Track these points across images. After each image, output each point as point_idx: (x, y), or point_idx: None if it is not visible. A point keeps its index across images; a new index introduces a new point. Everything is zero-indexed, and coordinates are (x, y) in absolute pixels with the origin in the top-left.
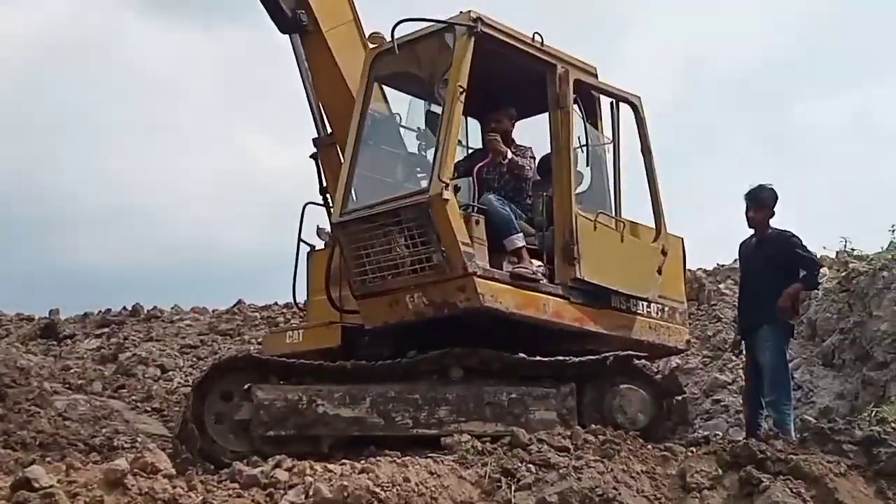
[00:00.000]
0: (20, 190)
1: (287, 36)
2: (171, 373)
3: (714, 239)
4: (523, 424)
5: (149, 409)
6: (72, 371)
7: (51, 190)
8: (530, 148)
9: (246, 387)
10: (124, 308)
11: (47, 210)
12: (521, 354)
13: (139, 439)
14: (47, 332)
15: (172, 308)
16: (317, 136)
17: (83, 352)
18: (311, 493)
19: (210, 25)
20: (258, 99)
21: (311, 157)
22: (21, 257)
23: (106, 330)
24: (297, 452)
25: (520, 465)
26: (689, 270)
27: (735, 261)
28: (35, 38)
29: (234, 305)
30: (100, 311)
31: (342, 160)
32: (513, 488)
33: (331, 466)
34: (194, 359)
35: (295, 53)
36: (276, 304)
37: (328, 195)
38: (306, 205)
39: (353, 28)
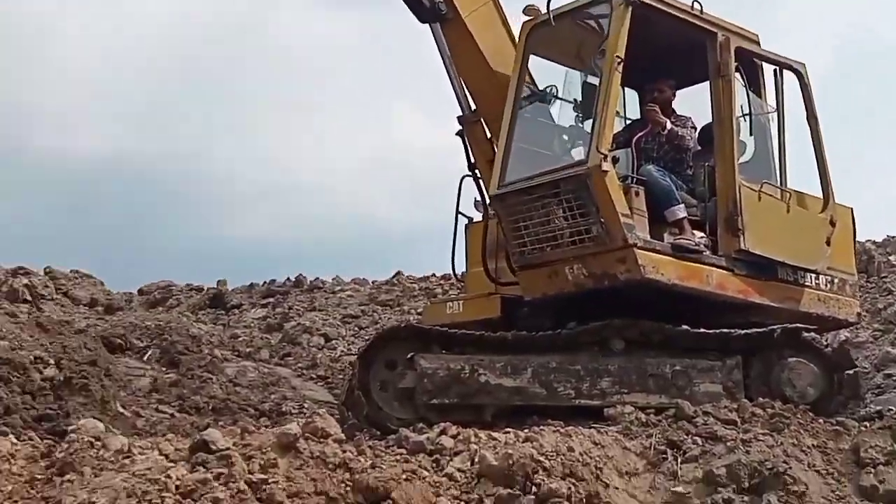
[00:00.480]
0: (187, 170)
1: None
2: (334, 342)
3: (883, 210)
4: (687, 397)
5: (314, 376)
6: (240, 339)
7: (213, 168)
8: (690, 118)
9: (409, 356)
10: (288, 279)
11: (213, 187)
12: (685, 327)
13: (306, 405)
14: (215, 301)
15: (334, 279)
16: (461, 113)
17: (250, 321)
18: (476, 460)
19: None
20: (409, 77)
21: (457, 134)
22: (189, 233)
23: (271, 300)
24: (461, 420)
25: (685, 437)
26: (858, 242)
27: None
28: (188, 19)
29: (393, 276)
30: (265, 282)
31: (487, 136)
32: (679, 460)
33: (495, 434)
34: (356, 328)
35: (435, 39)
36: (433, 275)
37: (476, 170)
38: (463, 178)
39: (492, 7)
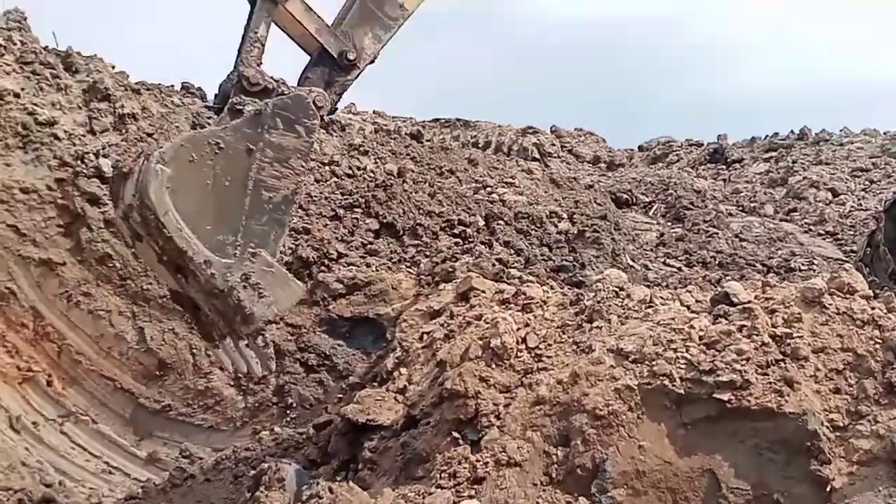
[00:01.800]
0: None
1: None
2: (842, 196)
3: None
4: None
5: (822, 232)
6: (742, 194)
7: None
8: None
9: None
10: (791, 132)
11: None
12: None
13: (816, 262)
14: (715, 157)
15: (841, 131)
16: None
17: (751, 176)
18: None
19: None
20: None
21: None
22: (685, 88)
23: (773, 154)
24: None
25: None
26: None
27: None
28: None
29: None
30: (766, 136)
31: None
32: None
33: None
34: (866, 182)
35: None
36: None
37: None
38: None
39: None
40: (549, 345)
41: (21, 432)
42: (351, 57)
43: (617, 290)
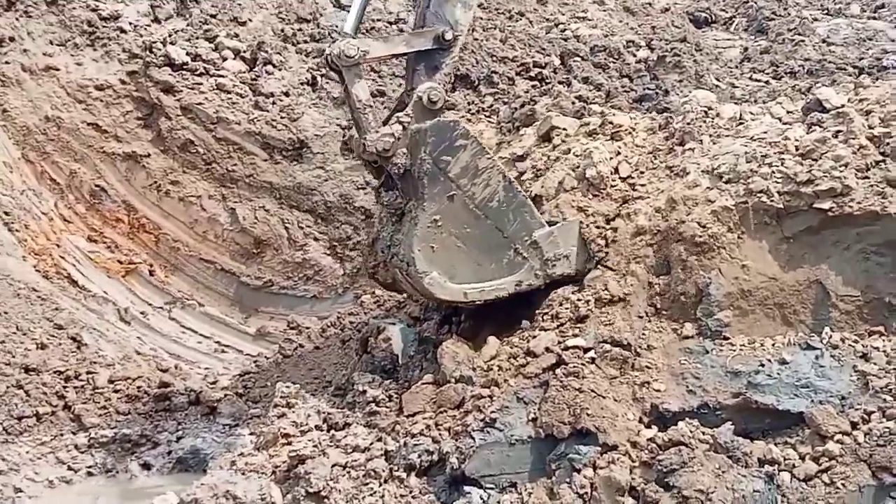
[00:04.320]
0: None
1: None
2: None
3: None
4: None
5: None
6: None
7: None
8: None
9: None
10: None
11: None
12: None
13: None
14: None
15: None
16: None
17: None
18: None
19: None
20: None
21: None
22: None
23: None
24: None
25: None
26: None
27: None
28: None
29: None
30: None
31: None
32: None
33: None
34: None
35: None
36: None
37: None
38: None
39: None
40: (642, 172)
41: (131, 323)
42: (448, 36)
43: (706, 110)
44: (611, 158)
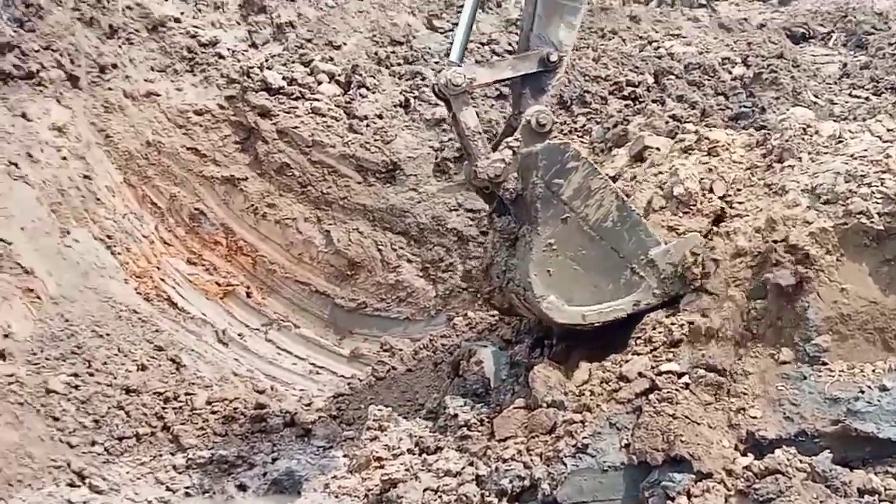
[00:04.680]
0: None
1: None
2: None
3: None
4: None
5: None
6: None
7: None
8: None
9: None
10: None
11: None
12: None
13: None
14: None
15: None
16: None
17: None
18: None
19: None
20: None
21: None
22: None
23: None
24: None
25: None
26: None
27: None
28: None
29: None
30: None
31: None
32: None
33: None
34: None
35: None
36: None
37: None
38: None
39: None
40: (740, 189)
41: (229, 344)
42: (554, 58)
43: (804, 127)
44: (700, 174)
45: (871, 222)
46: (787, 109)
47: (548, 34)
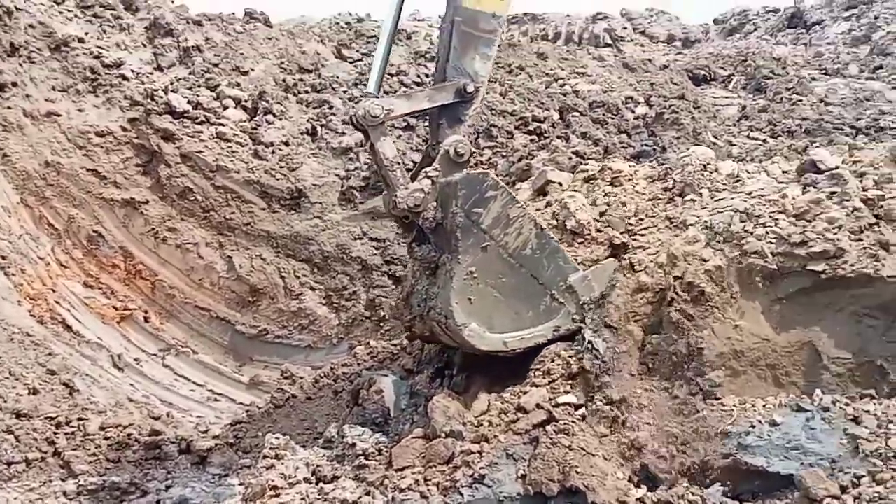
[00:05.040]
0: None
1: None
2: None
3: None
4: None
5: None
6: (824, 57)
7: None
8: None
9: None
10: None
11: None
12: None
13: None
14: (794, 21)
15: None
16: None
17: (833, 36)
18: None
19: None
20: None
21: None
22: None
23: (854, 11)
24: None
25: None
26: None
27: None
28: None
29: None
30: None
31: None
32: None
33: None
34: None
35: None
36: None
37: None
38: None
39: None
40: (642, 218)
41: (125, 369)
42: (470, 89)
43: (704, 164)
44: (599, 204)
45: (765, 262)
46: (688, 148)
47: (463, 65)
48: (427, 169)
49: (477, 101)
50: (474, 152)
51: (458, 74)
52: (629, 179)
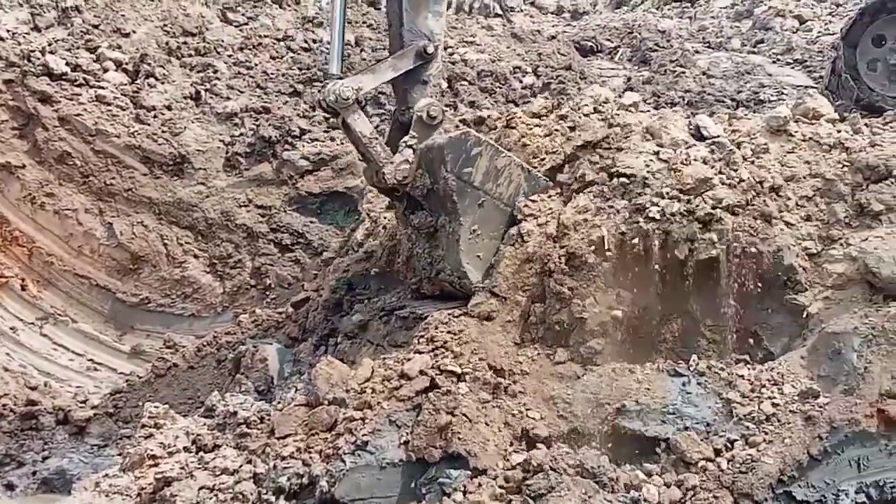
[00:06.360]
0: None
1: None
2: (809, 23)
3: None
4: None
5: (790, 61)
6: (708, 31)
7: None
8: None
9: None
10: None
11: None
12: None
13: (785, 91)
14: None
15: None
16: None
17: (717, 10)
18: None
19: None
20: None
21: None
22: None
23: None
24: None
25: None
26: None
27: None
28: None
29: None
30: None
31: None
32: None
33: None
34: (832, 6)
35: None
36: None
37: None
38: None
39: None
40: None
41: (0, 338)
42: (430, 50)
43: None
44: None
45: (647, 231)
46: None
47: (418, 26)
48: (405, 139)
49: (438, 61)
50: (445, 111)
51: (414, 37)
52: (523, 121)
